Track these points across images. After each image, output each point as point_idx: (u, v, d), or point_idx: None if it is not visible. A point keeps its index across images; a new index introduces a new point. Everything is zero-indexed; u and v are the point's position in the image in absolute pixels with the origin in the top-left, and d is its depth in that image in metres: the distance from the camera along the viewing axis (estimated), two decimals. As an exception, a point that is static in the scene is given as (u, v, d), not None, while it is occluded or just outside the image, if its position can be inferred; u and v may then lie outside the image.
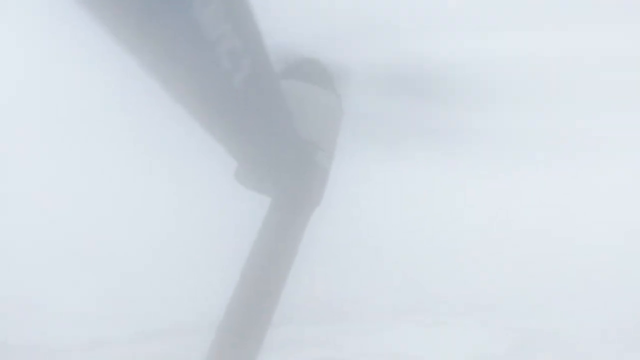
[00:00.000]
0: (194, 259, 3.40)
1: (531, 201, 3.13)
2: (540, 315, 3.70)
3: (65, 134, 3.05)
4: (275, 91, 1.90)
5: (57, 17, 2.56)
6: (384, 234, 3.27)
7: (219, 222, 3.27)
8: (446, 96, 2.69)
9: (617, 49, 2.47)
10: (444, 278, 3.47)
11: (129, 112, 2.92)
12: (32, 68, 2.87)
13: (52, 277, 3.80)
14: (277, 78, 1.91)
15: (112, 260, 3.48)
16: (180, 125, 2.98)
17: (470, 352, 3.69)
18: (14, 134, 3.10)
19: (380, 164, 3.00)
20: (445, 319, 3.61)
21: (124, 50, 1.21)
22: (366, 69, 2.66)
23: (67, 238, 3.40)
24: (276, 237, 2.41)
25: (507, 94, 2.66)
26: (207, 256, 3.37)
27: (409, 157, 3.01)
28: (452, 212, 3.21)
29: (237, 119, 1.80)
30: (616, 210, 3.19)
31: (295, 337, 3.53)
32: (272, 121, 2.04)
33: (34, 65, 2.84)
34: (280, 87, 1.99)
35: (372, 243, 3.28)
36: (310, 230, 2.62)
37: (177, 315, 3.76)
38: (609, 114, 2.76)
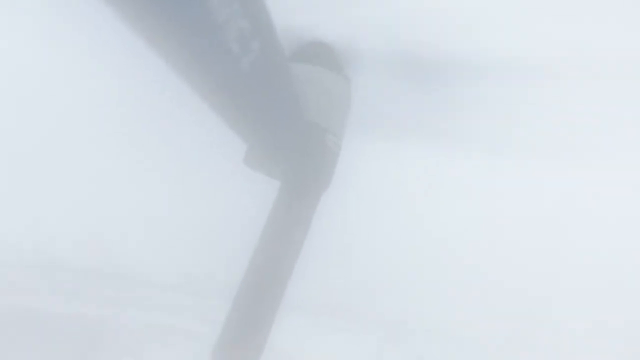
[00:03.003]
0: (202, 242, 3.43)
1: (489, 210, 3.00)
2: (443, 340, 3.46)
3: (67, 120, 3.06)
4: (284, 74, 1.88)
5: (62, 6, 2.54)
6: (337, 233, 3.19)
7: (228, 205, 3.29)
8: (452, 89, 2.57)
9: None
10: (381, 287, 3.32)
11: (133, 97, 2.91)
12: (33, 56, 2.87)
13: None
14: (286, 61, 1.90)
15: (115, 250, 3.50)
16: (188, 108, 2.98)
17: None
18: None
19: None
20: (351, 326, 3.46)
21: (129, 34, 1.20)
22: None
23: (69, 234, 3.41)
24: (286, 220, 2.42)
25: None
26: (216, 239, 3.40)
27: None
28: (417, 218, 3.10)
29: (246, 102, 1.80)
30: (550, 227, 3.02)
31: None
32: (281, 104, 2.03)
33: (34, 53, 2.84)
34: (290, 69, 1.98)
35: (325, 240, 3.20)
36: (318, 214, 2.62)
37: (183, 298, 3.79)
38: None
